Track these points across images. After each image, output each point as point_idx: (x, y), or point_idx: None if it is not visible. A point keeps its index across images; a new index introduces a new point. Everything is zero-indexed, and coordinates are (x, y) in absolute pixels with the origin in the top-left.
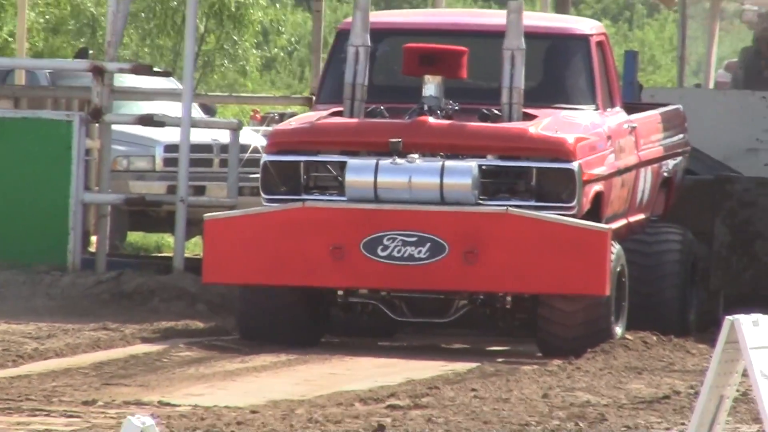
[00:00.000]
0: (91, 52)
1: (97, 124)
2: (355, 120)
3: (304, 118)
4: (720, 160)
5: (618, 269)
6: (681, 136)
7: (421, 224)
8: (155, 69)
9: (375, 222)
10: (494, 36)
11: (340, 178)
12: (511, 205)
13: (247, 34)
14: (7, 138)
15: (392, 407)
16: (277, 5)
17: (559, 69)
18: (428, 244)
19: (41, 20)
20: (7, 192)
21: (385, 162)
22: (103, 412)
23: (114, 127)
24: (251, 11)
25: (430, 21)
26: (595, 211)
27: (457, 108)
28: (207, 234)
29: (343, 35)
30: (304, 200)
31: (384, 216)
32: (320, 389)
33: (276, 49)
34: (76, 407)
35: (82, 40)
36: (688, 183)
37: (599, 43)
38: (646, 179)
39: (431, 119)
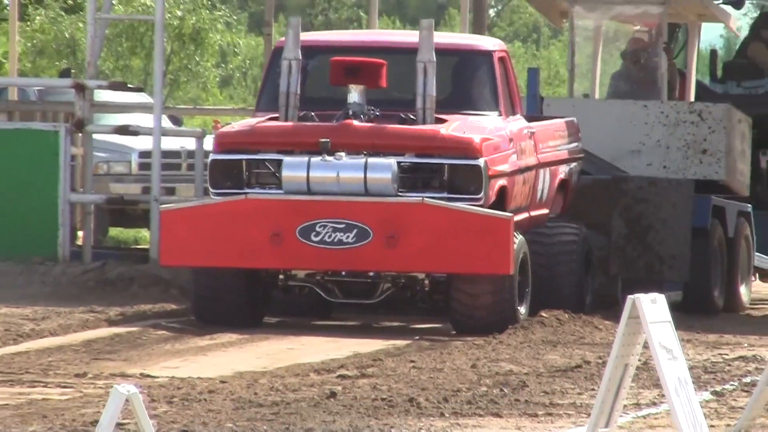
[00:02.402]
0: (72, 71)
1: (80, 134)
2: (289, 123)
3: (245, 122)
4: (608, 161)
5: (521, 256)
6: (576, 144)
7: (349, 213)
8: (129, 85)
9: (308, 211)
10: (410, 52)
11: (277, 173)
12: (426, 197)
13: (207, 55)
14: (2, 146)
15: (342, 377)
16: (233, 30)
17: (466, 80)
18: (355, 230)
19: (29, 44)
20: (3, 194)
21: (316, 159)
22: (92, 383)
23: (95, 136)
24: (210, 35)
25: (354, 39)
26: (500, 204)
27: (378, 113)
28: (163, 223)
29: (278, 52)
30: (246, 193)
31: (316, 206)
32: (280, 362)
33: (232, 68)
34: (69, 379)
35: (64, 61)
36: (587, 182)
37: (501, 59)
38: (545, 179)
39: (356, 122)
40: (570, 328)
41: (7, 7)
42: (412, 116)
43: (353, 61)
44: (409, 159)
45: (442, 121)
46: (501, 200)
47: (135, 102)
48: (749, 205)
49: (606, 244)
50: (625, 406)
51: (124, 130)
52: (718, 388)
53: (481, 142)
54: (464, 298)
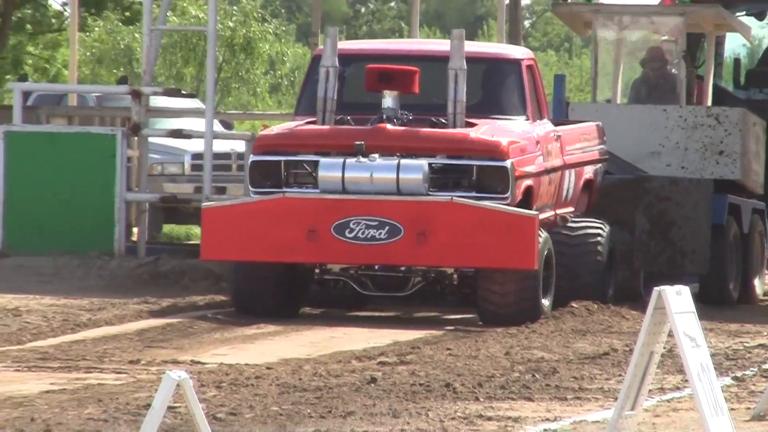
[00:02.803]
0: (129, 79)
1: (136, 137)
2: (326, 127)
3: (284, 126)
4: (630, 162)
5: (546, 252)
6: (600, 146)
7: (381, 211)
8: (183, 92)
9: (343, 209)
10: (442, 60)
11: (314, 174)
12: (455, 196)
13: (257, 63)
14: (63, 149)
15: (382, 363)
16: (282, 40)
17: (495, 87)
18: (387, 227)
19: (88, 53)
20: (64, 193)
21: (351, 160)
22: (145, 369)
23: (150, 139)
24: (260, 45)
25: (389, 48)
26: (526, 202)
27: (410, 117)
28: (204, 219)
29: (317, 60)
30: (284, 192)
31: (350, 204)
32: (323, 349)
33: (280, 75)
34: (123, 365)
35: (121, 69)
36: (612, 181)
37: (529, 66)
38: (570, 179)
39: (389, 126)
40: (599, 318)
41: (68, 19)
42: (443, 120)
43: (387, 68)
44: (439, 160)
45: (472, 125)
46: (527, 199)
47: (188, 107)
48: (763, 203)
49: (629, 240)
50: (650, 390)
51: (177, 133)
52: (739, 374)
53: (509, 145)
54: (491, 292)
